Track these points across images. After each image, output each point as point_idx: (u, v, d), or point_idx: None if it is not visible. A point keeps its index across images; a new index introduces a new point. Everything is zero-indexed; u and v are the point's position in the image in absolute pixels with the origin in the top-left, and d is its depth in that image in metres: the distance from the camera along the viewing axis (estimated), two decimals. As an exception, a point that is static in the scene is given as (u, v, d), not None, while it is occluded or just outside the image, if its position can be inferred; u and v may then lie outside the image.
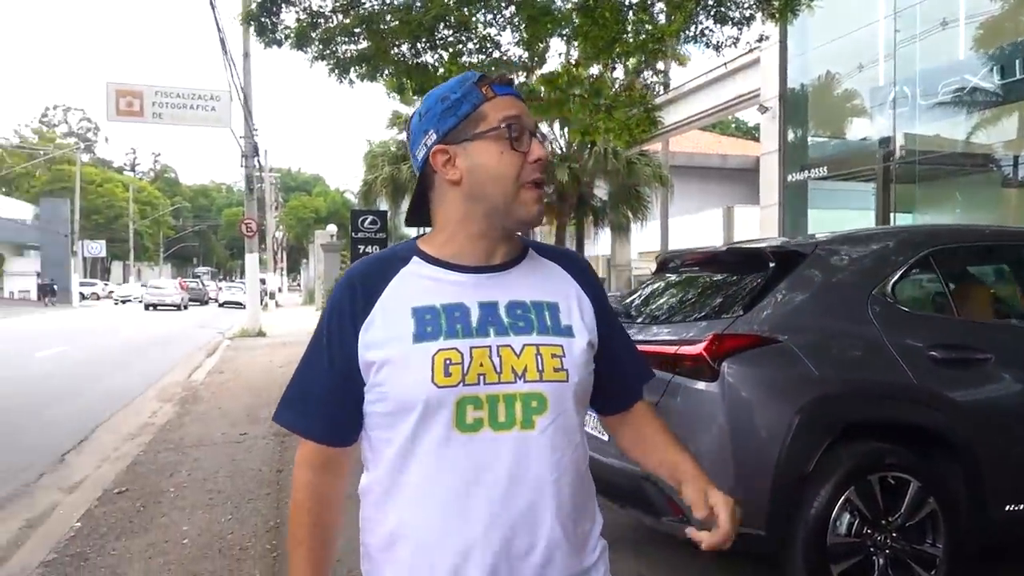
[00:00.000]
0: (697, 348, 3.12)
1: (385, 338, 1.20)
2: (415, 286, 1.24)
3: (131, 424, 7.85)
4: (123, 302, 44.65)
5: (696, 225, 22.81)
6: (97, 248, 56.31)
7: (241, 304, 32.73)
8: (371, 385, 1.22)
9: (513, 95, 1.25)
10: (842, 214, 14.45)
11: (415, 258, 1.28)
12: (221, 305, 42.16)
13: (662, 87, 19.51)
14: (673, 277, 4.16)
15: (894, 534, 2.98)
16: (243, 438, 6.77)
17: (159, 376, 11.66)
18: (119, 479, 5.49)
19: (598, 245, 25.83)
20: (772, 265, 3.38)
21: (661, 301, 3.99)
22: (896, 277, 3.33)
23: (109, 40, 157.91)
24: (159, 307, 37.62)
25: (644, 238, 22.42)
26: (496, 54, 10.16)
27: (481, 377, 1.18)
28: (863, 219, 13.42)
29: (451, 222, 1.26)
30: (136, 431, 7.40)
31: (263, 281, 28.61)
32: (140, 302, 41.33)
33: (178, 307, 38.68)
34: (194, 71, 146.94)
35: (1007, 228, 4.36)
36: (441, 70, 9.94)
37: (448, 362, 1.17)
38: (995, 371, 3.20)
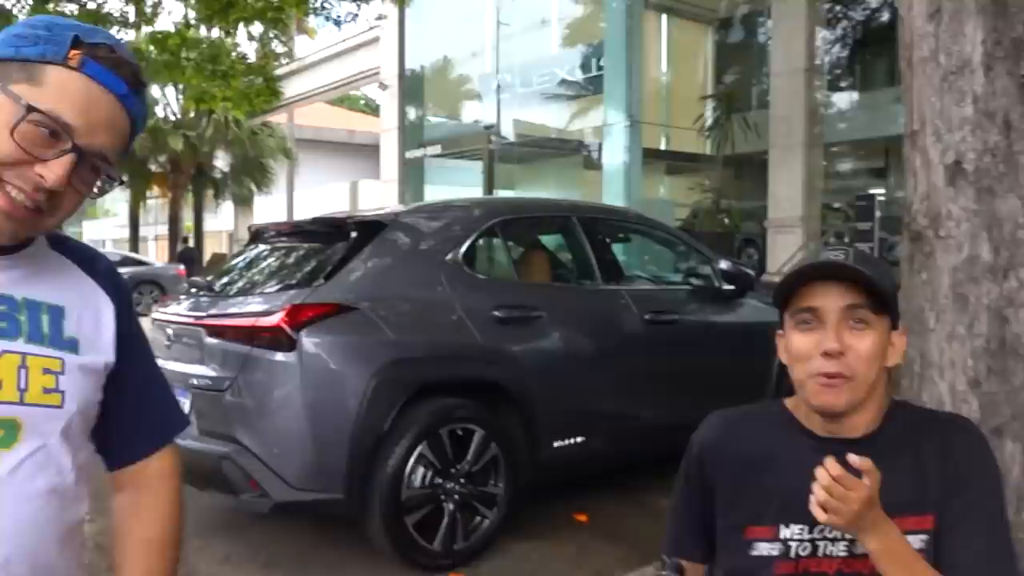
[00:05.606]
0: (274, 319, 3.07)
1: None
2: None
3: None
4: None
5: (323, 198, 22.75)
6: None
7: None
8: None
9: (100, 85, 0.92)
10: (455, 190, 15.45)
11: None
12: None
13: (285, 57, 19.01)
14: (264, 249, 4.05)
15: (462, 480, 3.25)
16: None
17: None
18: None
19: (220, 218, 24.47)
20: (354, 235, 3.45)
21: (249, 274, 3.86)
22: (467, 245, 3.60)
23: None
24: None
25: (270, 212, 21.77)
26: (92, 5, 9.02)
27: None
28: (474, 195, 14.50)
29: None
30: None
31: None
32: None
33: None
34: None
35: (561, 201, 4.98)
36: (22, 16, 8.61)
37: None
38: (546, 327, 3.63)
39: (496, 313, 3.48)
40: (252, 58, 12.08)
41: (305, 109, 22.97)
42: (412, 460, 3.12)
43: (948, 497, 1.22)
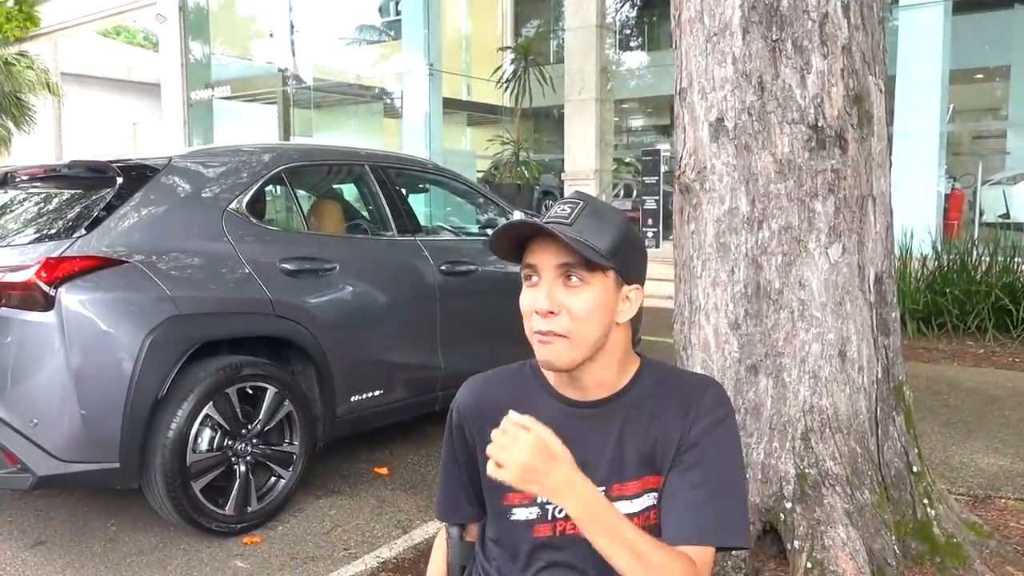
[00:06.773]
0: (27, 274, 2.75)
1: None
2: None
3: None
4: None
5: (100, 140, 20.71)
6: None
7: None
8: None
9: None
10: (249, 136, 14.60)
11: None
12: None
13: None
14: (16, 195, 3.59)
15: (254, 440, 3.12)
16: None
17: None
18: None
19: (-29, 162, 21.54)
20: (120, 181, 3.14)
21: (-5, 223, 3.41)
22: (251, 194, 3.40)
23: None
24: None
25: (35, 154, 19.46)
26: None
27: None
28: (269, 141, 13.78)
29: None
30: None
31: None
32: None
33: None
34: None
35: (355, 149, 4.80)
36: None
37: None
38: (339, 279, 3.53)
39: (285, 266, 3.33)
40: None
41: (73, 40, 20.66)
42: (197, 422, 2.94)
43: (680, 454, 1.22)
